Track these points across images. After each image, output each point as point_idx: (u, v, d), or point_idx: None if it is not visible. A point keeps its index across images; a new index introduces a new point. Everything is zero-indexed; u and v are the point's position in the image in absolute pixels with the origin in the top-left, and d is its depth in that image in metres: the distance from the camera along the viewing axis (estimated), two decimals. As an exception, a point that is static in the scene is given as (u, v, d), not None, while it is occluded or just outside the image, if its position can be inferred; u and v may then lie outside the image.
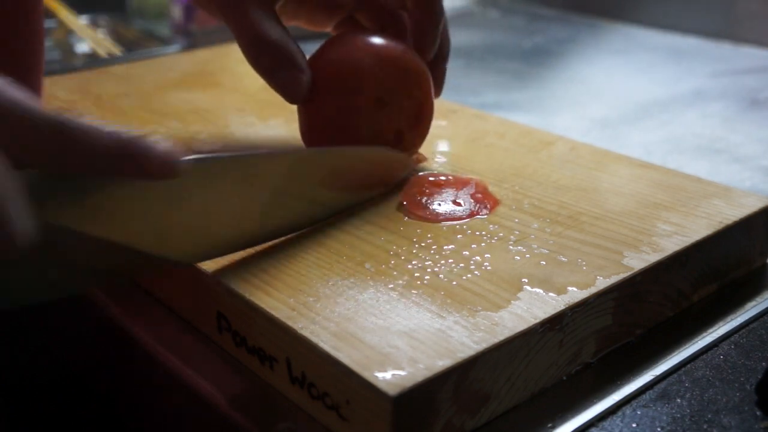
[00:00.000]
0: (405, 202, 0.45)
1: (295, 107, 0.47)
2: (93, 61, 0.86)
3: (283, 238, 0.41)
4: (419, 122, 0.48)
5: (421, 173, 0.49)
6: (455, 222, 0.43)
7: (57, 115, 0.30)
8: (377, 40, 0.47)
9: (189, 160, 0.34)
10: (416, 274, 0.38)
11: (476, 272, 0.38)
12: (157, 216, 0.36)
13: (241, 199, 0.39)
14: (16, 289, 0.34)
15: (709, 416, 0.35)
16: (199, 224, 0.38)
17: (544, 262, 0.39)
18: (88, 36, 0.91)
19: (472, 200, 0.45)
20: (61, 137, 0.30)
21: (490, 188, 0.47)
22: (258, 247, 0.41)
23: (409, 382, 0.31)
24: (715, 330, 0.41)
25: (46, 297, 0.37)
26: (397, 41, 0.47)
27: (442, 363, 0.32)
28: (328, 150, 0.45)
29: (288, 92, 0.45)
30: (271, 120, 0.58)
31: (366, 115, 0.45)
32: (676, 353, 0.39)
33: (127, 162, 0.32)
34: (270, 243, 0.41)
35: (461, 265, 0.39)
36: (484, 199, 0.45)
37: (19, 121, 0.29)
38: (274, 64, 0.44)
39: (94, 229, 0.33)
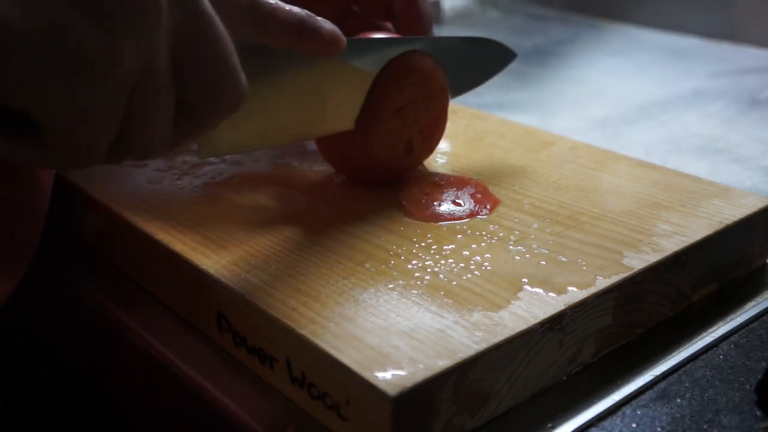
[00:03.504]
0: (405, 202, 0.45)
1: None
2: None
3: (282, 238, 0.41)
4: (431, 136, 0.48)
5: (421, 173, 0.49)
6: (455, 222, 0.43)
7: None
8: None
9: (349, 39, 0.41)
10: (416, 274, 0.38)
11: (476, 272, 0.38)
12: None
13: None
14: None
15: (709, 416, 0.35)
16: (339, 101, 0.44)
17: (544, 262, 0.39)
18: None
19: (472, 200, 0.45)
20: (256, 11, 0.36)
21: (490, 188, 0.47)
22: (258, 248, 0.41)
23: (409, 382, 0.31)
24: (715, 330, 0.41)
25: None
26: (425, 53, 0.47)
27: (442, 363, 0.32)
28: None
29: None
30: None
31: (384, 122, 0.45)
32: (676, 353, 0.39)
33: (304, 36, 0.38)
34: (269, 243, 0.41)
35: (461, 265, 0.39)
36: (484, 199, 0.45)
37: None
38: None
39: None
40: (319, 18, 0.39)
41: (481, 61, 0.51)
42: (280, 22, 0.37)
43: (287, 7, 0.37)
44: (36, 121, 0.29)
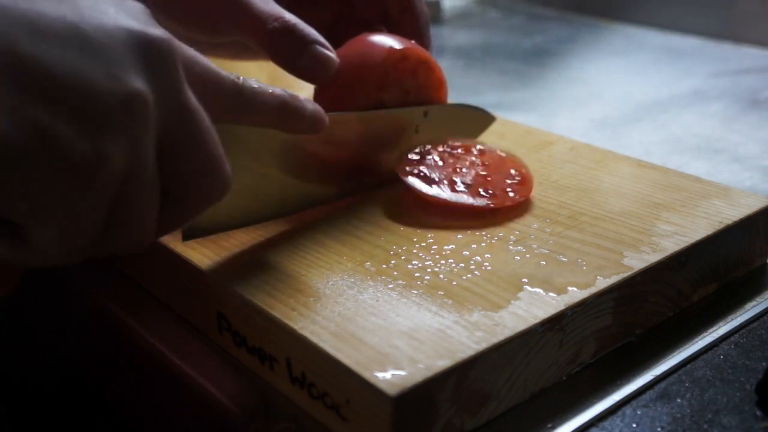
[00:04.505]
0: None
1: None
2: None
3: (283, 239, 0.41)
4: None
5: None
6: (455, 221, 0.43)
7: (235, 77, 0.35)
8: (407, 46, 0.46)
9: (329, 116, 0.40)
10: (416, 274, 0.38)
11: (476, 272, 0.38)
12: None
13: (357, 152, 0.45)
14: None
15: (709, 416, 0.35)
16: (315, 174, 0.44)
17: (544, 262, 0.39)
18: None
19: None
20: (239, 96, 0.35)
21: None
22: (258, 247, 0.41)
23: (409, 382, 0.31)
24: (715, 330, 0.41)
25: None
26: (423, 50, 0.47)
27: (442, 363, 0.32)
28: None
29: (319, 70, 0.43)
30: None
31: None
32: (676, 353, 0.39)
33: (287, 118, 0.38)
34: (270, 243, 0.41)
35: (461, 265, 0.39)
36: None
37: (209, 82, 0.34)
38: (299, 45, 0.43)
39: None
40: (302, 98, 0.38)
41: (462, 126, 0.51)
42: (264, 106, 0.37)
43: (270, 89, 0.37)
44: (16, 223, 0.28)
